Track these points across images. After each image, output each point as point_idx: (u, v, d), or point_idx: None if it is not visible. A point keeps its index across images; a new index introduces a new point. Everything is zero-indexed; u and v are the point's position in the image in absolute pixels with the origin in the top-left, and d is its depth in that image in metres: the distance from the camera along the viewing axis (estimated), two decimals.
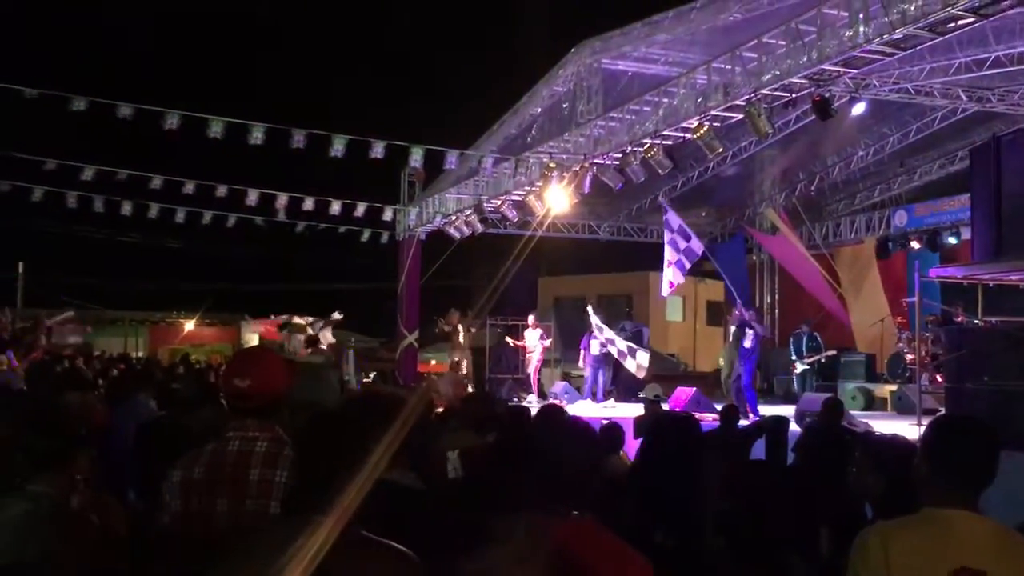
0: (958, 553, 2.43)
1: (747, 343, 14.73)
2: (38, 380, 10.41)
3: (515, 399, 16.89)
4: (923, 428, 10.28)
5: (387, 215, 20.42)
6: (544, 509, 2.40)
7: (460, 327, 17.87)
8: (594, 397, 16.91)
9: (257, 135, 14.06)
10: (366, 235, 20.79)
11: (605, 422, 7.11)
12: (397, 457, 2.34)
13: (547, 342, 18.73)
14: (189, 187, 17.64)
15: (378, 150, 14.76)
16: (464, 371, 17.63)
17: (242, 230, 19.91)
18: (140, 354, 28.10)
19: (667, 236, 16.79)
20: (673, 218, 16.70)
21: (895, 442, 4.43)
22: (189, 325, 31.73)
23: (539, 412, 4.96)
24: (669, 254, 16.66)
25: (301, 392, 5.64)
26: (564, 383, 18.43)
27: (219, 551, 2.45)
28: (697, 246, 16.38)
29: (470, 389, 15.54)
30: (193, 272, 32.55)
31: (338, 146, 14.47)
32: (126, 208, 18.38)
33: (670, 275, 16.81)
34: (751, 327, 14.73)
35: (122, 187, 17.64)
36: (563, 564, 2.26)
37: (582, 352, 17.32)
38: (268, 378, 3.17)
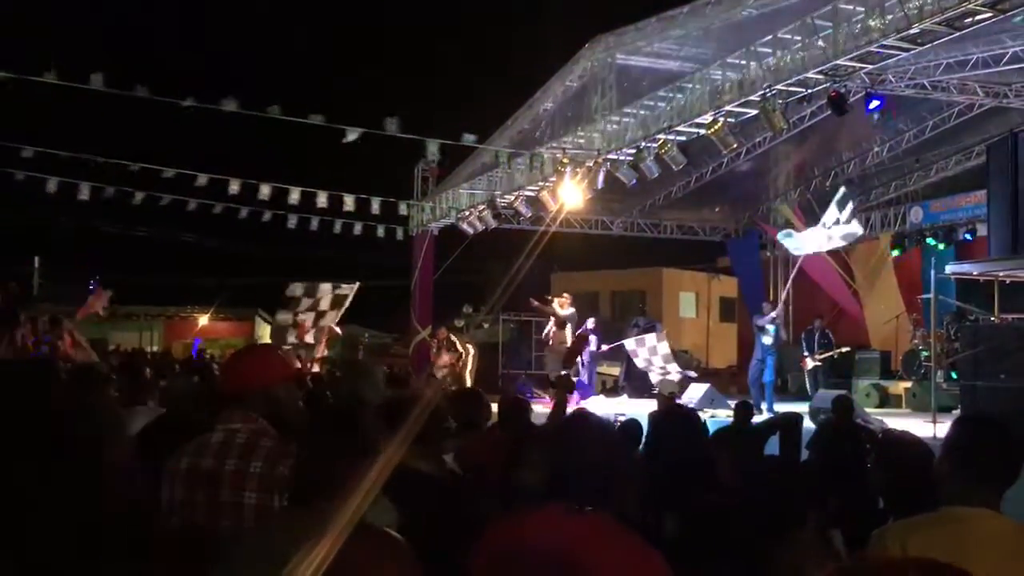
0: (978, 553, 2.41)
1: (765, 340, 14.79)
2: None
3: (530, 394, 16.87)
4: (938, 425, 10.24)
5: (401, 210, 20.44)
6: (561, 505, 2.40)
7: (452, 337, 17.66)
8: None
9: (271, 126, 14.17)
10: (380, 230, 20.81)
11: (623, 418, 7.10)
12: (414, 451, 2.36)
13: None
14: (202, 180, 17.73)
15: (392, 144, 14.86)
16: (468, 369, 17.48)
17: (255, 225, 19.98)
18: (155, 348, 28.23)
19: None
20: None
21: (907, 439, 4.42)
22: (203, 320, 31.86)
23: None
24: None
25: (346, 388, 5.60)
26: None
27: (206, 543, 2.49)
28: None
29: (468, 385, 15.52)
30: (207, 267, 32.70)
31: (352, 136, 14.54)
32: (138, 200, 18.44)
33: None
34: (768, 326, 14.85)
35: (136, 182, 17.75)
36: (580, 561, 2.26)
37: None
38: (244, 370, 3.26)
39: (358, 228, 20.27)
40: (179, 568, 2.80)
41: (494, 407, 5.52)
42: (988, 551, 2.43)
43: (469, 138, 15.77)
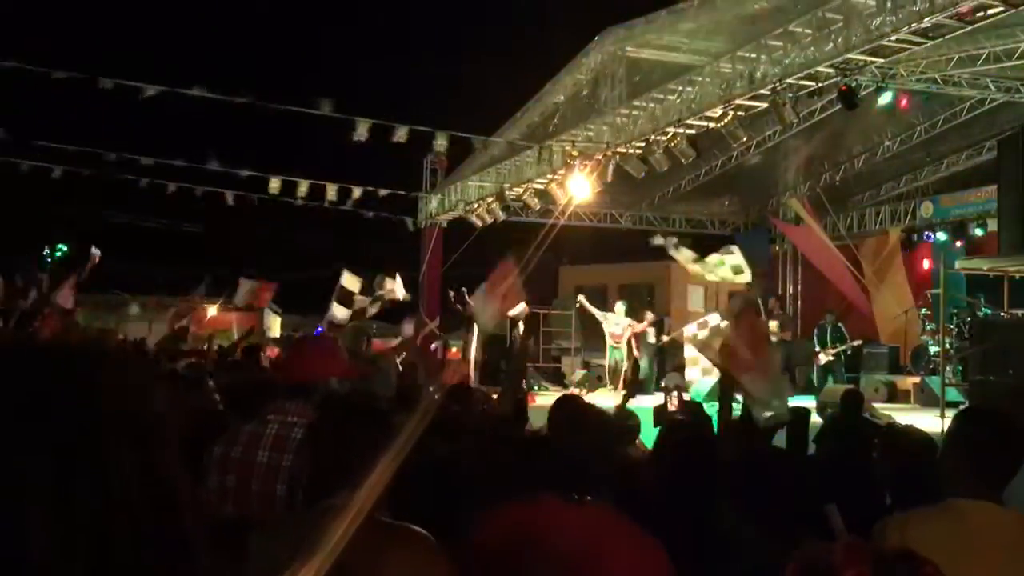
0: (978, 545, 2.42)
1: None
2: None
3: (536, 387, 16.89)
4: (946, 421, 10.22)
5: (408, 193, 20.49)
6: (559, 494, 2.40)
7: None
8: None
9: (280, 121, 14.18)
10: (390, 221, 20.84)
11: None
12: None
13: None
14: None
15: (401, 135, 14.83)
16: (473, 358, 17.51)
17: (265, 216, 20.02)
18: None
19: None
20: None
21: (912, 433, 4.42)
22: (212, 310, 31.88)
23: (556, 401, 4.97)
24: None
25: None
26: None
27: (246, 535, 2.47)
28: None
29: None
30: (217, 258, 32.77)
31: (361, 131, 14.54)
32: (146, 189, 18.51)
33: None
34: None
35: (145, 173, 17.80)
36: (579, 549, 2.26)
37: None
38: (307, 360, 3.23)
39: (365, 219, 20.31)
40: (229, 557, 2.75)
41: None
42: (988, 543, 2.43)
43: (476, 141, 15.80)
